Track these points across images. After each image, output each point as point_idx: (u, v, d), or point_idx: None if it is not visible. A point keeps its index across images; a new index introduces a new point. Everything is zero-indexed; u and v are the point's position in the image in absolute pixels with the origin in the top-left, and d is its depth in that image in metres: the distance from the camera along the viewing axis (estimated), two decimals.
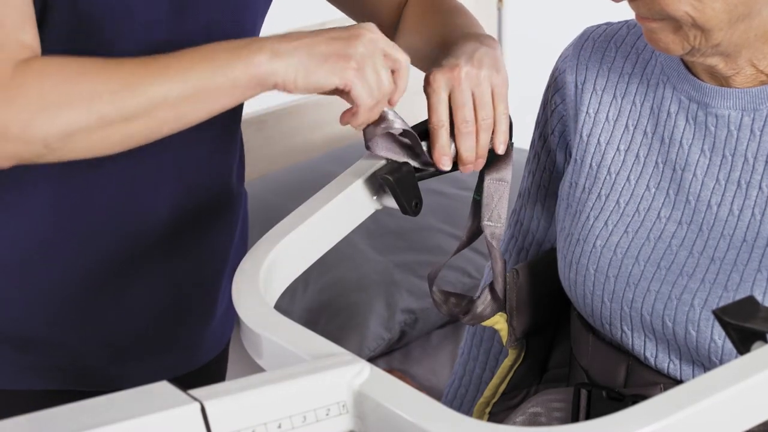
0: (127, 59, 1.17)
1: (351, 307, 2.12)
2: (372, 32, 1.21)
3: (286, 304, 2.17)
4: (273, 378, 0.96)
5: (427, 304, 2.19)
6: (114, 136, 1.16)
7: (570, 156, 1.45)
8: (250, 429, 0.93)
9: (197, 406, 0.90)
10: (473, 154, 1.29)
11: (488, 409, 1.54)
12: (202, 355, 1.50)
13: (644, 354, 1.34)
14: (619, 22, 1.45)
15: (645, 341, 1.34)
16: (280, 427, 0.94)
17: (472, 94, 1.26)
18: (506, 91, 1.29)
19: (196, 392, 0.92)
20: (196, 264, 1.42)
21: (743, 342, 1.05)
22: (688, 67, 1.33)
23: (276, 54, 1.17)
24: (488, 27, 3.01)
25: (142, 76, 1.15)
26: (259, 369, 1.07)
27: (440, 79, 1.26)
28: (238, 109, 1.43)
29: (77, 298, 1.35)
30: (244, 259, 1.21)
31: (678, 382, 1.30)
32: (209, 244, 1.43)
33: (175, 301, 1.42)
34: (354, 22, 1.33)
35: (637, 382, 1.35)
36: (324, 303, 2.17)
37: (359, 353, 2.05)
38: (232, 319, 1.56)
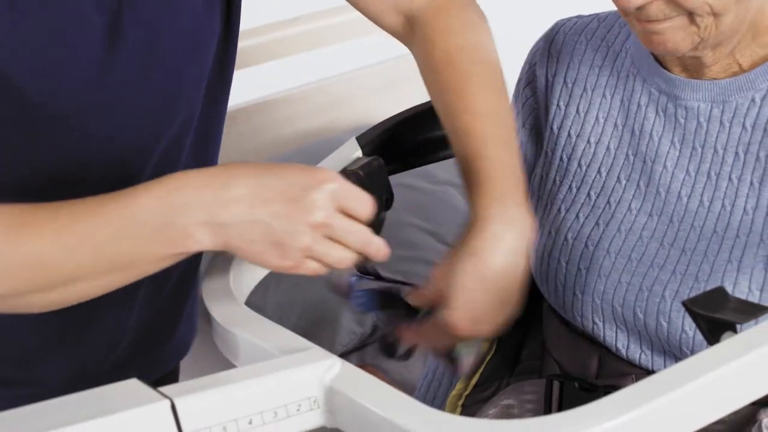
0: (45, 223, 1.04)
1: (323, 302, 2.11)
2: (327, 188, 1.06)
3: (257, 301, 2.16)
4: (243, 374, 0.96)
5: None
6: (32, 304, 1.08)
7: (541, 149, 1.45)
8: (220, 425, 0.93)
9: (167, 403, 0.90)
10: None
11: (461, 402, 1.54)
12: (165, 366, 1.48)
13: (616, 345, 1.34)
14: (589, 15, 1.45)
15: (617, 332, 1.34)
16: (251, 423, 0.94)
17: None
18: None
19: (166, 389, 0.92)
20: (163, 290, 1.38)
21: (713, 333, 1.05)
22: (658, 60, 1.33)
23: (213, 232, 1.04)
24: None
25: (57, 251, 1.03)
26: (230, 365, 1.07)
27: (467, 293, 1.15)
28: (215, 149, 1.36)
29: (47, 333, 1.31)
30: (213, 257, 1.21)
31: (650, 372, 1.30)
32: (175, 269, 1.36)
33: (141, 325, 1.38)
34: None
35: (609, 373, 1.36)
36: (296, 299, 2.16)
37: (331, 348, 2.05)
38: (195, 324, 1.52)
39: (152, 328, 1.39)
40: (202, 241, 1.04)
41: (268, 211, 1.05)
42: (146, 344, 1.40)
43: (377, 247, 1.11)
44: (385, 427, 0.93)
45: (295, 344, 1.03)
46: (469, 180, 1.20)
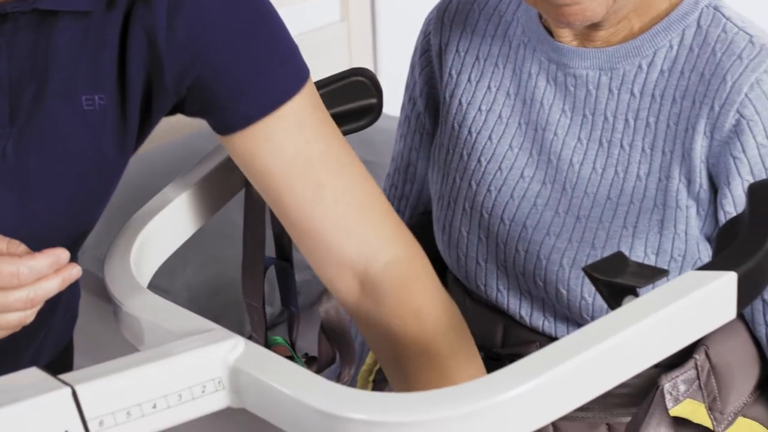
0: None
1: (231, 283, 2.10)
2: None
3: (165, 284, 2.14)
4: (145, 358, 0.95)
5: (308, 276, 2.17)
6: None
7: (437, 118, 1.45)
8: (124, 411, 0.92)
9: (68, 390, 0.89)
10: None
11: (371, 377, 1.55)
12: (43, 359, 1.44)
13: (519, 313, 1.35)
14: None
15: (520, 301, 1.35)
16: (155, 407, 0.93)
17: None
18: None
19: (66, 376, 0.90)
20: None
21: (614, 297, 1.06)
22: (548, 29, 1.33)
23: None
24: None
25: None
26: (134, 350, 1.06)
27: None
28: None
29: None
30: (114, 242, 1.19)
31: (553, 339, 1.32)
32: None
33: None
34: None
35: (513, 341, 1.37)
36: (204, 281, 2.15)
37: (241, 329, 2.04)
38: (74, 315, 1.47)
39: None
40: None
41: None
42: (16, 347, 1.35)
43: (47, 290, 0.99)
44: (290, 405, 0.92)
45: (199, 325, 1.02)
46: None
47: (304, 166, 1.14)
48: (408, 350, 1.16)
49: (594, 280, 1.07)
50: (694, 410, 1.26)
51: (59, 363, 1.37)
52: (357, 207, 1.16)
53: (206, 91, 1.12)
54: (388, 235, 1.17)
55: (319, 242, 1.16)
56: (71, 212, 1.16)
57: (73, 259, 1.12)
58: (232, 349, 0.97)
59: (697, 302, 0.99)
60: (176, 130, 2.70)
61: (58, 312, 1.33)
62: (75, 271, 1.01)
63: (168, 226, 1.23)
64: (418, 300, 1.17)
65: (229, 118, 1.13)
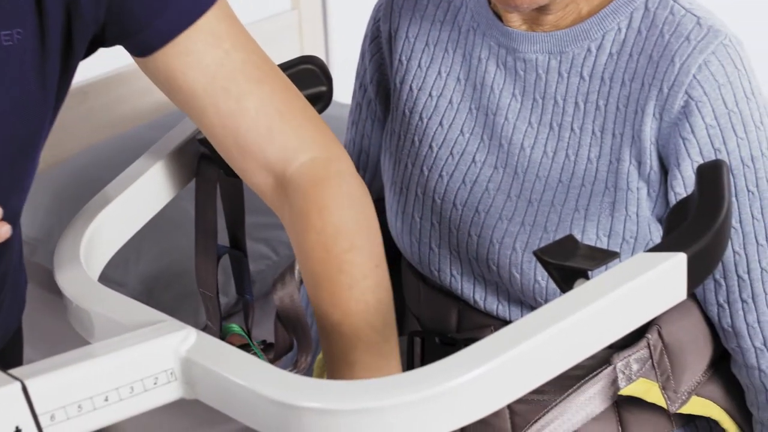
0: None
1: (185, 274, 2.09)
2: None
3: (119, 277, 2.13)
4: (96, 351, 0.94)
5: (263, 266, 2.18)
6: None
7: (389, 105, 1.45)
8: (75, 404, 0.91)
9: (18, 385, 0.88)
10: None
11: None
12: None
13: (473, 298, 1.35)
14: None
15: (474, 285, 1.35)
16: (107, 400, 0.93)
17: None
18: None
19: (16, 371, 0.90)
20: None
21: (566, 280, 1.06)
22: (497, 14, 1.33)
23: None
24: None
25: None
26: (85, 343, 1.05)
27: None
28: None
29: None
30: (63, 234, 1.18)
31: (508, 323, 1.32)
32: None
33: None
34: None
35: (468, 325, 1.37)
36: (157, 273, 2.14)
37: (196, 321, 2.03)
38: (21, 303, 1.46)
39: None
40: None
41: None
42: None
43: None
44: (243, 395, 0.92)
45: (150, 317, 1.02)
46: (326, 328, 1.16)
47: (225, 78, 1.17)
48: (308, 246, 1.17)
49: (545, 264, 1.07)
50: (648, 389, 1.27)
51: (9, 357, 1.36)
52: (279, 114, 1.19)
53: (123, 13, 1.14)
54: (308, 137, 1.20)
55: (244, 152, 1.19)
56: None
57: (9, 222, 1.11)
58: (183, 340, 0.96)
59: (648, 284, 1.00)
60: (127, 121, 2.68)
61: (5, 298, 1.32)
62: (5, 230, 1.04)
63: (118, 217, 1.22)
64: (324, 197, 1.18)
65: (148, 38, 1.15)
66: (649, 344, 1.26)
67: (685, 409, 1.31)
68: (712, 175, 1.08)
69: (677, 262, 1.01)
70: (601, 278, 1.00)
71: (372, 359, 1.13)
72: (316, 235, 1.16)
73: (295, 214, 1.19)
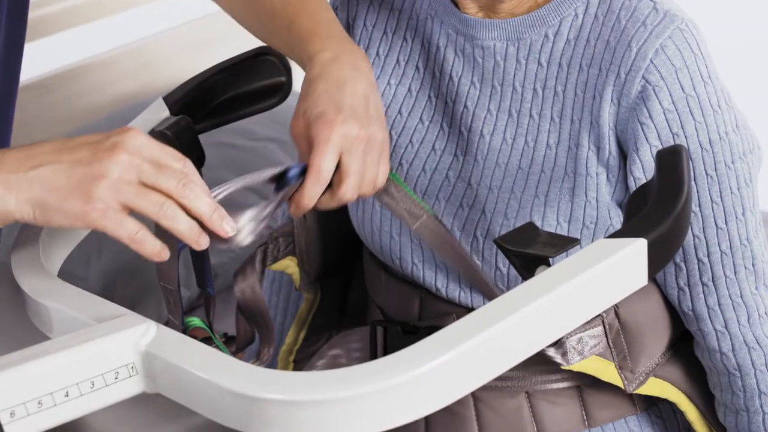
0: None
1: (147, 268, 2.08)
2: (123, 154, 1.00)
3: (80, 272, 2.12)
4: (56, 346, 0.93)
5: (226, 259, 2.17)
6: None
7: None
8: (35, 400, 0.90)
9: None
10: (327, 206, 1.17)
11: (292, 357, 1.54)
12: None
13: (435, 285, 1.35)
14: None
15: (435, 273, 1.35)
16: (67, 395, 0.92)
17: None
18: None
19: None
20: None
21: (527, 268, 1.07)
22: (454, 2, 1.33)
23: (7, 188, 0.99)
24: None
25: None
26: (45, 339, 1.04)
27: (335, 141, 1.12)
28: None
29: None
30: (21, 229, 1.17)
31: (470, 310, 1.32)
32: None
33: None
34: None
35: (431, 314, 1.37)
36: (119, 267, 2.13)
37: (159, 315, 2.02)
38: None
39: None
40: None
41: (71, 156, 1.00)
42: None
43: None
44: (205, 388, 0.92)
45: (109, 311, 1.01)
46: (291, 42, 1.22)
47: None
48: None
49: (506, 252, 1.07)
50: (604, 368, 1.28)
51: None
52: None
53: None
54: None
55: None
56: None
57: None
58: (143, 334, 0.96)
59: (609, 270, 1.00)
60: (87, 114, 2.67)
61: None
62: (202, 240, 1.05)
63: None
64: None
65: None
66: (604, 323, 1.26)
67: (643, 390, 1.32)
68: (671, 160, 1.08)
69: (637, 248, 1.01)
70: (561, 265, 1.01)
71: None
72: None
73: None
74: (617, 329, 1.28)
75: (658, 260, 1.04)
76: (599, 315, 1.26)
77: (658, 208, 1.05)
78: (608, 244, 1.02)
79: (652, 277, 1.04)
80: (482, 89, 1.31)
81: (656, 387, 1.33)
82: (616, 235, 1.03)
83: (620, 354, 1.29)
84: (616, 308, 1.28)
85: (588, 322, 1.25)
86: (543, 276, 1.00)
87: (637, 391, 1.31)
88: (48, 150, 1.00)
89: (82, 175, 0.99)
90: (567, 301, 0.99)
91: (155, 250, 1.03)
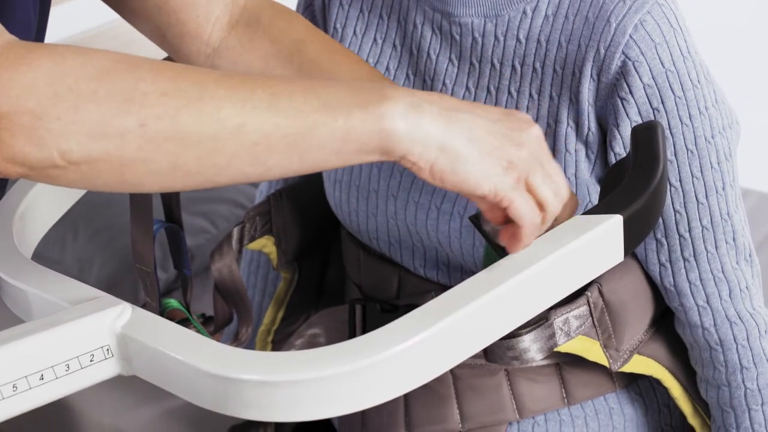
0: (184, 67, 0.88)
1: (123, 251, 2.07)
2: (537, 129, 0.96)
3: (56, 256, 2.10)
4: (30, 329, 0.93)
5: (202, 240, 2.16)
6: (157, 161, 0.87)
7: None
8: (10, 384, 0.90)
9: None
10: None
11: (270, 338, 1.54)
12: None
13: (413, 264, 1.35)
14: None
15: (413, 251, 1.35)
16: (42, 378, 0.91)
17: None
18: None
19: None
20: None
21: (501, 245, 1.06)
22: None
23: (418, 110, 0.90)
24: None
25: (213, 88, 0.86)
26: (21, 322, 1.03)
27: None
28: None
29: None
30: None
31: (448, 287, 1.31)
32: None
33: None
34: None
35: (409, 292, 1.36)
36: (95, 250, 2.12)
37: (135, 297, 2.01)
38: None
39: None
40: (400, 114, 0.89)
41: (486, 113, 0.93)
42: None
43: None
44: (181, 369, 0.91)
45: (84, 294, 1.00)
46: None
47: None
48: (302, 27, 1.24)
49: (480, 229, 1.07)
50: (589, 348, 1.27)
51: None
52: None
53: None
54: None
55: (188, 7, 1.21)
56: None
57: None
58: (118, 315, 0.95)
59: (585, 246, 1.00)
60: None
61: None
62: None
63: (50, 194, 1.20)
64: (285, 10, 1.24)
65: None
66: (589, 302, 1.26)
67: (627, 368, 1.31)
68: (646, 135, 1.08)
69: (613, 224, 1.01)
70: (537, 242, 1.00)
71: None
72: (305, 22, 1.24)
73: (267, 20, 1.23)
74: (602, 307, 1.28)
75: (634, 236, 1.04)
76: (584, 294, 1.25)
77: (633, 184, 1.04)
78: (584, 220, 1.01)
79: (628, 253, 1.04)
80: (460, 66, 1.31)
81: (641, 364, 1.33)
82: (592, 211, 1.03)
83: (605, 332, 1.28)
84: (599, 286, 1.27)
85: (572, 302, 1.25)
86: (519, 253, 1.00)
87: (622, 369, 1.31)
88: (456, 99, 0.93)
89: (502, 136, 0.93)
90: (544, 277, 0.99)
91: (526, 246, 0.99)
